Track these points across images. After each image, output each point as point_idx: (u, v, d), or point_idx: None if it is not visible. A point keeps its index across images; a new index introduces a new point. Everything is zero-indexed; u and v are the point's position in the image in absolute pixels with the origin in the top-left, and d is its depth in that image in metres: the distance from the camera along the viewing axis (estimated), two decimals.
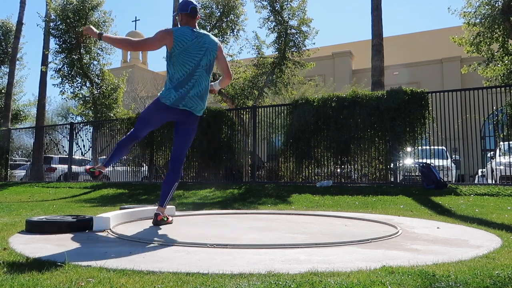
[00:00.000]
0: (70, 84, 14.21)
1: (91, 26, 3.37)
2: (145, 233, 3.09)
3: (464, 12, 10.80)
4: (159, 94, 3.33)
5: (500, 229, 3.30)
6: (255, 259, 2.18)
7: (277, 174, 9.19)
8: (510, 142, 7.83)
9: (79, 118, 17.63)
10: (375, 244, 2.64)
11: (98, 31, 3.26)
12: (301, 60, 12.03)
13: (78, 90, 14.33)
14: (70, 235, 3.02)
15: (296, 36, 11.79)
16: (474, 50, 10.82)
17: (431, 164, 7.43)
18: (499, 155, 8.62)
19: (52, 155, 15.24)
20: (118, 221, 3.59)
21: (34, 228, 3.19)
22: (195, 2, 3.38)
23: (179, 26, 3.37)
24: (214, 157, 9.73)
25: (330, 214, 4.50)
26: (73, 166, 12.79)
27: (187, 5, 3.33)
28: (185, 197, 7.51)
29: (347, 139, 8.10)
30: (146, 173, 11.25)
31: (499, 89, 8.03)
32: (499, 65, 10.63)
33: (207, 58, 3.28)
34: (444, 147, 9.54)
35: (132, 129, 3.44)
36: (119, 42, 3.30)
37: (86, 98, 14.30)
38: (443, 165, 8.66)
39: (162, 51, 73.66)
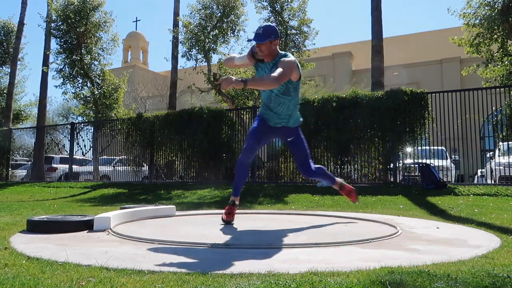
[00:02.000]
0: (71, 85, 14.25)
1: (232, 78, 2.98)
2: (145, 233, 3.10)
3: (464, 13, 10.80)
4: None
5: (499, 229, 3.31)
6: (255, 259, 2.19)
7: (277, 174, 9.20)
8: (510, 143, 7.84)
9: (80, 118, 17.65)
10: (375, 244, 2.65)
11: (241, 80, 3.03)
12: (301, 60, 12.03)
13: (79, 91, 14.36)
14: (71, 235, 3.03)
15: (296, 37, 11.79)
16: (474, 51, 10.82)
17: (431, 164, 7.43)
18: (499, 156, 8.63)
19: (53, 155, 15.27)
20: (118, 220, 3.61)
21: (35, 227, 3.20)
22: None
23: (275, 50, 3.41)
24: (215, 157, 9.73)
25: (330, 214, 4.51)
26: (74, 166, 12.81)
27: (277, 30, 3.46)
28: (184, 196, 7.53)
29: (347, 139, 8.10)
30: (147, 173, 11.26)
31: (498, 89, 8.04)
32: (498, 66, 10.63)
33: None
34: (443, 147, 9.54)
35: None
36: (260, 84, 3.30)
37: (87, 98, 14.32)
38: (442, 165, 8.67)
39: (162, 52, 72.38)
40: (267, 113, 3.56)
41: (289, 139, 3.71)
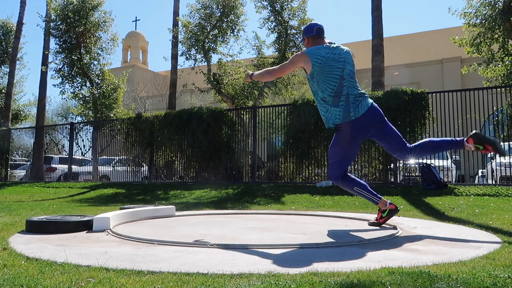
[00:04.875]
0: (70, 84, 14.22)
1: (248, 71, 3.69)
2: (145, 233, 3.09)
3: (465, 12, 10.79)
4: (338, 122, 3.20)
5: (500, 230, 3.30)
6: (255, 259, 2.18)
7: (277, 174, 9.19)
8: (511, 143, 7.83)
9: (79, 118, 17.63)
10: (375, 244, 2.64)
11: (249, 73, 3.64)
12: None
13: (78, 90, 14.33)
14: (70, 235, 3.02)
15: (296, 36, 11.78)
16: (475, 51, 10.80)
17: (431, 165, 7.43)
18: (499, 156, 8.61)
19: (52, 155, 15.25)
20: (118, 221, 3.60)
21: (34, 228, 3.19)
22: (319, 23, 3.46)
23: (304, 49, 3.44)
24: (214, 157, 9.72)
25: (330, 215, 4.50)
26: (73, 166, 12.80)
27: (312, 27, 3.43)
28: (180, 197, 7.52)
29: None
30: (146, 173, 11.25)
31: (499, 89, 8.03)
32: (499, 65, 10.62)
33: (347, 68, 3.25)
34: None
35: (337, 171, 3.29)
36: (263, 76, 3.55)
37: (86, 98, 14.30)
38: (443, 166, 8.66)
39: (162, 52, 72.96)
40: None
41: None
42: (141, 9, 69.52)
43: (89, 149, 13.66)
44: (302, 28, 3.65)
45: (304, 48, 3.48)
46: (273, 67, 3.48)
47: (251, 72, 3.64)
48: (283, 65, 3.40)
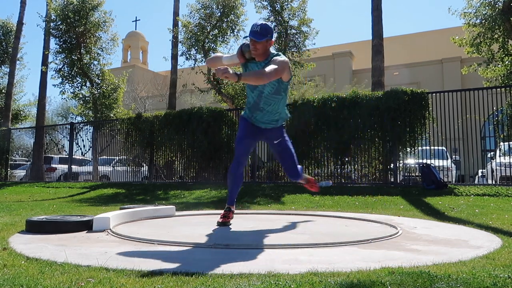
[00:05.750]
0: (70, 84, 14.21)
1: (229, 69, 2.89)
2: (145, 233, 3.09)
3: (465, 12, 10.79)
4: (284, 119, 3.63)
5: (500, 230, 3.30)
6: (255, 259, 2.18)
7: (277, 174, 9.19)
8: (510, 143, 7.83)
9: (79, 118, 17.62)
10: (375, 245, 2.64)
11: (236, 73, 2.94)
12: (301, 60, 12.02)
13: (78, 90, 14.32)
14: (70, 235, 3.02)
15: (296, 37, 11.79)
16: (475, 51, 10.80)
17: (431, 165, 7.43)
18: (499, 156, 8.62)
19: (52, 155, 15.25)
20: (118, 221, 3.60)
21: (34, 228, 3.19)
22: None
23: (271, 50, 3.41)
24: (214, 157, 9.72)
25: (330, 214, 4.50)
26: (73, 166, 12.79)
27: (273, 31, 3.48)
28: (180, 197, 7.52)
29: (347, 140, 8.10)
30: (146, 173, 11.25)
31: (499, 89, 8.03)
32: (499, 65, 10.62)
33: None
34: (444, 148, 9.53)
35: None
36: (258, 79, 3.12)
37: (86, 98, 14.30)
38: (443, 166, 8.66)
39: (162, 52, 72.85)
40: (255, 114, 3.48)
41: (275, 141, 3.63)
42: (141, 9, 69.52)
43: (89, 149, 13.66)
44: (265, 26, 3.27)
45: (273, 49, 3.45)
46: (267, 71, 3.04)
47: (232, 71, 2.93)
48: (277, 70, 3.09)
